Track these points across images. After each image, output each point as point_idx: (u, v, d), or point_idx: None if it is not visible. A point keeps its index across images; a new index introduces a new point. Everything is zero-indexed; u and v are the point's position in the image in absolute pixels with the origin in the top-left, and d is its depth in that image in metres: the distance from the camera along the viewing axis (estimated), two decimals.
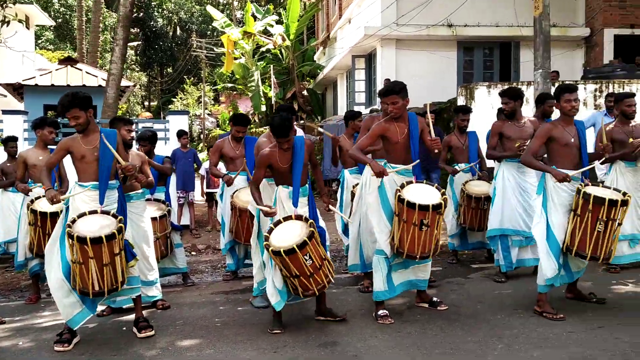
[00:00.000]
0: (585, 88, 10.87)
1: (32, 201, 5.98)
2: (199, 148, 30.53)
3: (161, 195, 6.61)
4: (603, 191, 4.83)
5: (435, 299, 5.19)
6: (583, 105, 9.88)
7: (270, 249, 4.43)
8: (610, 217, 4.66)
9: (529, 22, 13.80)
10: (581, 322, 4.69)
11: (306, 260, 4.40)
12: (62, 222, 4.60)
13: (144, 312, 5.00)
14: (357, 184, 6.41)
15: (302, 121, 19.09)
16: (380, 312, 4.87)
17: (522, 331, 4.51)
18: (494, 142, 6.05)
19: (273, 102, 21.79)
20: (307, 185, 4.97)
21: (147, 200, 6.19)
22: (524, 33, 14.00)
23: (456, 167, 6.85)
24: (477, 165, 6.81)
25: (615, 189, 5.01)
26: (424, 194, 4.74)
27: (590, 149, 5.59)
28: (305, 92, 22.74)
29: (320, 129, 6.98)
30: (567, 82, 10.78)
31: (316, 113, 22.72)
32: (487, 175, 6.72)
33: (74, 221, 4.40)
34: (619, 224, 4.75)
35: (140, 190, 5.41)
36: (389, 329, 4.64)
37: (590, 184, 4.91)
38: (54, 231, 4.71)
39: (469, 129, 6.90)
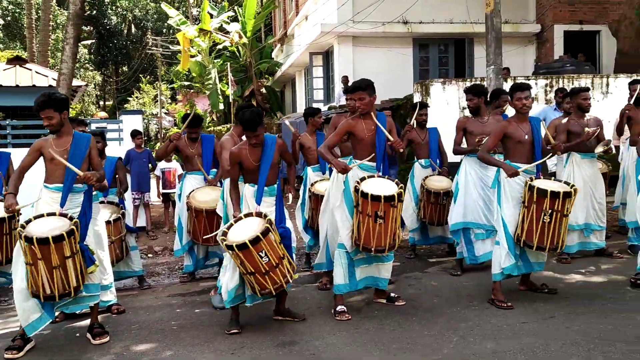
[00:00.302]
0: (536, 83, 11.13)
1: None
2: (157, 148, 30.05)
3: (115, 198, 6.45)
4: (549, 184, 4.99)
5: (393, 294, 5.23)
6: (534, 100, 10.11)
7: (224, 243, 4.39)
8: (554, 208, 4.80)
9: (481, 19, 14.09)
10: (533, 312, 4.80)
11: (261, 257, 4.35)
12: None
13: (99, 317, 4.88)
14: (317, 181, 6.43)
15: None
16: (339, 307, 4.90)
17: (476, 323, 4.59)
18: (459, 138, 6.15)
19: (231, 100, 21.52)
20: (275, 185, 4.91)
21: (101, 202, 6.07)
22: (477, 30, 14.26)
23: (416, 163, 6.93)
24: (438, 161, 6.88)
25: (565, 182, 5.16)
26: (380, 186, 4.79)
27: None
28: (263, 90, 22.63)
29: (286, 121, 6.95)
30: (520, 81, 11.07)
31: (275, 110, 22.64)
32: (447, 171, 6.80)
33: (29, 222, 4.32)
34: (565, 215, 4.88)
35: (94, 193, 5.26)
36: (347, 326, 4.65)
37: (541, 177, 5.06)
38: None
39: (429, 125, 6.97)
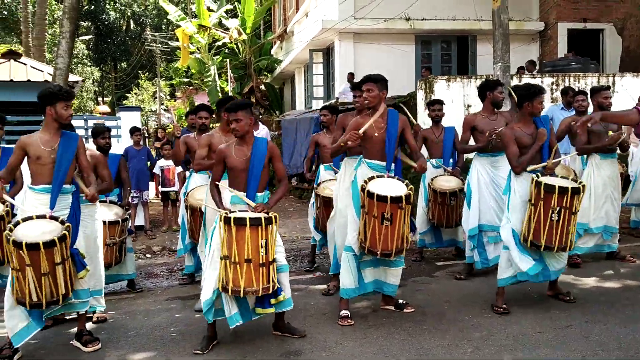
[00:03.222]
0: (542, 81, 10.92)
1: None
2: (156, 145, 29.82)
3: (114, 198, 6.25)
4: (556, 180, 4.77)
5: (401, 301, 5.02)
6: None
7: (223, 216, 4.08)
8: (562, 205, 4.59)
9: (485, 16, 13.89)
10: (550, 320, 4.60)
11: (262, 245, 4.05)
12: None
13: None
14: (324, 181, 6.24)
15: (260, 115, 18.76)
16: (342, 312, 4.71)
17: (491, 332, 4.38)
18: (466, 137, 5.92)
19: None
20: (264, 194, 4.51)
21: (102, 202, 5.87)
22: (481, 27, 14.06)
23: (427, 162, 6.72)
24: (451, 161, 6.64)
25: (572, 179, 4.97)
26: (389, 187, 4.57)
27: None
28: (262, 87, 22.38)
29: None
30: (526, 79, 10.88)
31: (274, 107, 22.41)
32: (459, 172, 6.58)
33: (17, 224, 4.05)
34: (574, 213, 4.68)
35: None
36: (354, 335, 4.44)
37: (548, 174, 4.85)
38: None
39: (447, 124, 6.75)
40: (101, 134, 6.17)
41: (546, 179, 4.69)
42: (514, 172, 4.93)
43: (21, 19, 24.08)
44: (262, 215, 4.14)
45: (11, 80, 11.87)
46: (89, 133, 9.14)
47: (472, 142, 5.98)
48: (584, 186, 4.72)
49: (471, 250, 5.86)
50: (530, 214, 4.72)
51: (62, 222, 4.15)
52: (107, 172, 5.17)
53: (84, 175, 4.54)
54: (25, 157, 4.29)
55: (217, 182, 4.49)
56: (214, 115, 6.47)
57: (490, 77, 10.50)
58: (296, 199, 13.34)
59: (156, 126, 35.20)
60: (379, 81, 4.72)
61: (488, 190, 5.76)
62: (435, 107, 6.71)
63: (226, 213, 4.15)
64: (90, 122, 9.89)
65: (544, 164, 4.85)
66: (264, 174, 4.45)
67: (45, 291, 4.02)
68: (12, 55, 12.82)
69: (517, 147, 4.87)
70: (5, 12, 29.59)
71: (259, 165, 4.40)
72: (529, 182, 4.77)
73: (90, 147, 5.69)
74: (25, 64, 12.63)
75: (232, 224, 4.02)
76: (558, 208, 4.60)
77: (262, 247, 4.06)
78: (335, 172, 6.22)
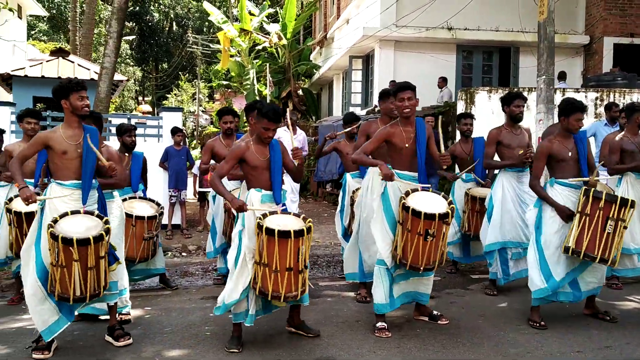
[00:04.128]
0: (586, 96, 10.70)
1: (10, 199, 5.71)
2: (192, 145, 30.25)
3: (141, 194, 6.35)
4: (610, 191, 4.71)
5: (435, 312, 4.97)
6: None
7: (264, 226, 4.07)
8: (620, 217, 4.52)
9: (529, 28, 13.71)
10: (588, 340, 4.49)
11: (299, 253, 4.09)
12: (38, 223, 4.29)
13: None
14: (358, 189, 6.21)
15: (297, 120, 18.86)
16: (379, 324, 4.65)
17: (527, 349, 4.30)
18: (491, 152, 5.82)
19: (268, 101, 21.55)
20: (283, 190, 4.58)
21: (132, 198, 5.99)
22: (525, 38, 13.88)
23: (457, 174, 6.65)
24: (483, 173, 6.55)
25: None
26: (430, 202, 4.51)
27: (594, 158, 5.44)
28: (300, 92, 22.53)
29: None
30: (569, 93, 10.68)
31: (311, 113, 22.51)
32: (491, 183, 6.50)
33: (55, 221, 4.09)
34: (625, 227, 4.60)
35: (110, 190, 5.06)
36: (388, 345, 4.41)
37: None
38: (30, 233, 4.35)
39: (475, 135, 6.68)
40: (127, 131, 6.22)
41: (604, 189, 4.61)
42: (530, 184, 5.00)
43: (69, 19, 24.76)
44: (304, 226, 4.16)
45: (59, 78, 12.23)
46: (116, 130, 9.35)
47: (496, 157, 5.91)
48: (634, 201, 4.63)
49: (490, 266, 5.80)
50: (584, 225, 4.60)
51: (100, 217, 4.24)
52: (120, 168, 4.95)
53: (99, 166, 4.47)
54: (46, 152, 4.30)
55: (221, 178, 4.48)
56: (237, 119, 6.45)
57: (533, 89, 10.35)
58: (330, 205, 13.36)
59: (194, 127, 35.74)
60: (415, 89, 4.71)
61: (514, 206, 5.68)
62: (467, 121, 6.62)
63: (261, 219, 4.18)
64: (133, 121, 10.08)
65: (586, 178, 4.77)
66: (281, 172, 4.56)
67: (90, 285, 4.10)
68: (60, 53, 13.23)
69: (553, 161, 4.85)
70: (54, 11, 30.45)
71: (279, 162, 4.50)
72: (567, 194, 4.77)
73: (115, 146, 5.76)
74: (72, 62, 13.01)
75: (276, 236, 4.04)
76: (616, 219, 4.52)
77: (301, 255, 4.11)
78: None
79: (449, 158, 4.69)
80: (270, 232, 4.06)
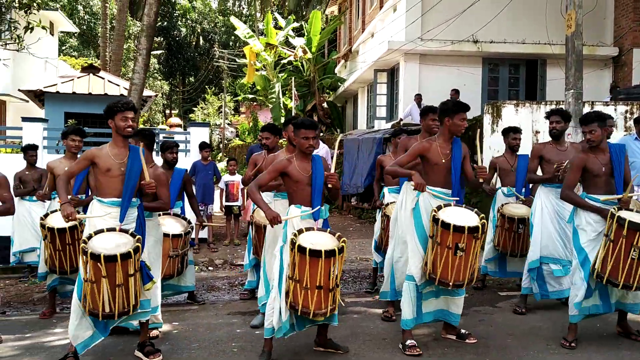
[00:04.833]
0: (615, 109, 10.54)
1: (45, 215, 5.84)
2: (218, 158, 30.55)
3: (178, 210, 6.44)
4: (637, 216, 4.56)
5: (463, 331, 4.92)
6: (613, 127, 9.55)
7: (297, 244, 4.10)
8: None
9: (556, 40, 13.59)
10: None
11: (331, 271, 4.10)
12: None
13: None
14: (391, 202, 6.20)
15: (322, 134, 18.94)
16: (408, 342, 4.61)
17: None
18: (534, 166, 5.80)
19: (293, 114, 21.70)
20: (324, 208, 4.59)
21: (166, 214, 6.05)
22: (552, 51, 13.75)
23: (499, 189, 6.60)
24: (523, 190, 6.47)
25: None
26: (461, 216, 4.50)
27: None
28: (325, 105, 22.63)
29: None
30: (598, 107, 10.51)
31: (336, 126, 22.58)
32: (532, 200, 6.42)
33: (89, 237, 4.20)
34: None
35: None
36: None
37: (623, 208, 4.66)
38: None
39: (520, 152, 6.62)
40: (169, 148, 6.39)
41: (629, 215, 4.51)
42: (561, 194, 4.97)
43: (99, 35, 25.31)
44: (337, 246, 4.17)
45: (89, 94, 12.49)
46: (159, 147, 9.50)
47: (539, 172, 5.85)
48: None
49: (530, 282, 5.72)
50: (607, 250, 4.54)
51: (133, 235, 4.31)
52: (165, 191, 4.88)
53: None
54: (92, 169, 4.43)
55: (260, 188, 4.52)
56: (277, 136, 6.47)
57: (561, 103, 10.24)
58: (355, 219, 13.34)
59: (220, 139, 36.09)
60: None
61: (552, 222, 5.62)
62: (517, 135, 6.57)
63: (295, 236, 4.21)
64: (161, 136, 10.24)
65: (619, 196, 4.69)
66: (324, 188, 4.56)
67: (118, 302, 4.15)
68: (91, 69, 13.50)
69: (586, 175, 4.80)
70: (84, 27, 31.16)
71: (321, 179, 4.51)
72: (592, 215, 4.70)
73: (158, 161, 5.86)
74: (103, 78, 13.27)
75: (307, 255, 4.07)
76: (637, 247, 4.41)
77: (332, 274, 4.12)
78: None
79: (486, 171, 4.69)
80: (302, 249, 4.09)
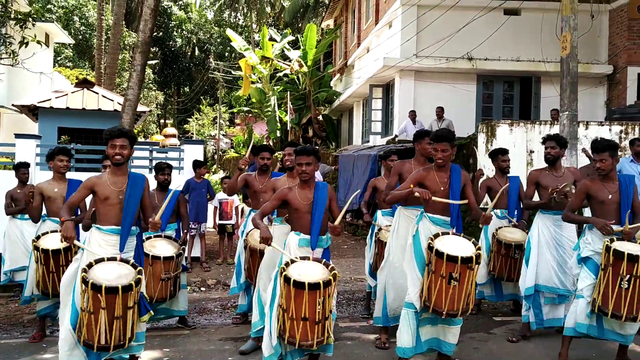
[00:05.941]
0: (610, 129, 10.58)
1: (38, 237, 5.78)
2: (213, 169, 30.47)
3: (172, 233, 6.38)
4: (629, 246, 4.55)
5: None
6: None
7: (284, 274, 4.08)
8: (632, 273, 4.42)
9: (551, 58, 13.66)
10: None
11: (318, 304, 4.05)
12: (78, 263, 4.35)
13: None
14: (387, 225, 6.15)
15: (316, 147, 18.92)
16: None
17: None
18: (530, 192, 5.79)
19: (288, 127, 21.71)
20: (325, 237, 4.59)
21: (157, 236, 5.99)
22: (547, 69, 13.82)
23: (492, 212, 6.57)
24: (516, 212, 6.46)
25: None
26: (457, 245, 4.49)
27: None
28: (320, 118, 22.64)
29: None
30: (593, 125, 10.51)
31: (331, 139, 22.59)
32: (525, 225, 6.40)
33: (90, 266, 4.14)
34: None
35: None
36: None
37: (624, 239, 4.65)
38: (67, 272, 4.43)
39: (511, 174, 6.60)
40: (160, 170, 6.42)
41: (618, 245, 4.51)
42: (562, 216, 5.07)
43: (94, 46, 25.27)
44: (320, 279, 4.11)
45: (83, 109, 12.42)
46: (153, 164, 9.46)
47: (536, 197, 5.84)
48: None
49: (527, 310, 5.67)
50: (600, 279, 4.57)
51: (134, 266, 4.25)
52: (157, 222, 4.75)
53: (145, 215, 4.60)
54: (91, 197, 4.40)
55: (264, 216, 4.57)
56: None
57: (555, 123, 10.28)
58: (350, 236, 13.29)
59: (214, 150, 36.03)
60: (453, 139, 4.73)
61: (549, 249, 5.58)
62: (505, 157, 6.55)
63: (286, 265, 4.18)
64: (154, 154, 10.19)
65: (621, 228, 4.67)
66: (325, 217, 4.54)
67: (115, 334, 4.08)
68: (85, 84, 13.43)
69: (591, 202, 4.81)
70: (80, 38, 31.11)
71: (322, 208, 4.50)
72: (602, 241, 4.67)
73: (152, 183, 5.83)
74: (97, 93, 13.20)
75: (291, 286, 4.03)
76: (628, 276, 4.42)
77: (319, 305, 4.07)
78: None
79: (491, 219, 4.73)
80: (287, 280, 4.05)
